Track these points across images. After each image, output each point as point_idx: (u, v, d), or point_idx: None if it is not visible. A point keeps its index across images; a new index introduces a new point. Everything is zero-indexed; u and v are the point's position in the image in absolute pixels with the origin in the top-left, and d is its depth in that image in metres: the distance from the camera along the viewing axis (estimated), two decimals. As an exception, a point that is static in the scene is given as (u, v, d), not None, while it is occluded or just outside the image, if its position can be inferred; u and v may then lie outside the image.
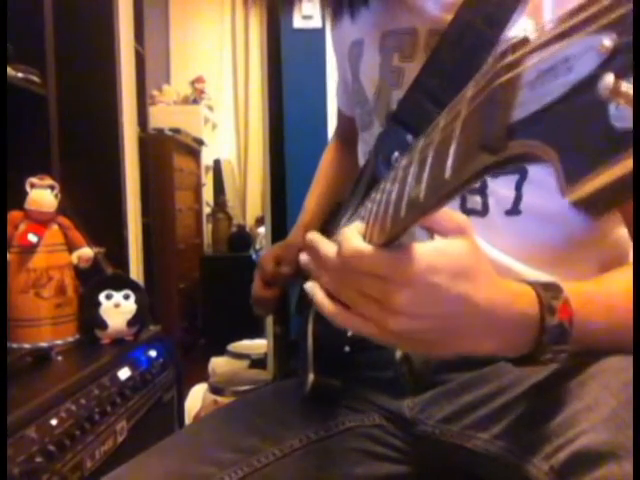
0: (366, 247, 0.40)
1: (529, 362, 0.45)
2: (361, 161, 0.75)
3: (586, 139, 0.20)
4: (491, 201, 0.60)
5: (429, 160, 0.32)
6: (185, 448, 0.64)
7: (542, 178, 0.59)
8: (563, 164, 0.21)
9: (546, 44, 0.22)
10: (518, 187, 0.59)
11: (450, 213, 0.41)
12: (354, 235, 0.42)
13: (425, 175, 0.32)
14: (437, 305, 0.40)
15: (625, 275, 0.51)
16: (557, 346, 0.44)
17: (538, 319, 0.43)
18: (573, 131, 0.21)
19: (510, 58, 0.24)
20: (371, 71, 0.68)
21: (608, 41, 0.19)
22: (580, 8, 0.21)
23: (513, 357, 0.46)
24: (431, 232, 0.42)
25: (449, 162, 0.28)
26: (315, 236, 0.47)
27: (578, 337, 0.45)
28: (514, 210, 0.60)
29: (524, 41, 0.24)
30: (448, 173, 0.28)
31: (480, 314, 0.41)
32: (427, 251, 0.39)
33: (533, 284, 0.45)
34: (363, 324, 0.43)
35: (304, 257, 0.49)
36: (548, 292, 0.44)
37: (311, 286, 0.47)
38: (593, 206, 0.20)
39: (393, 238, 0.38)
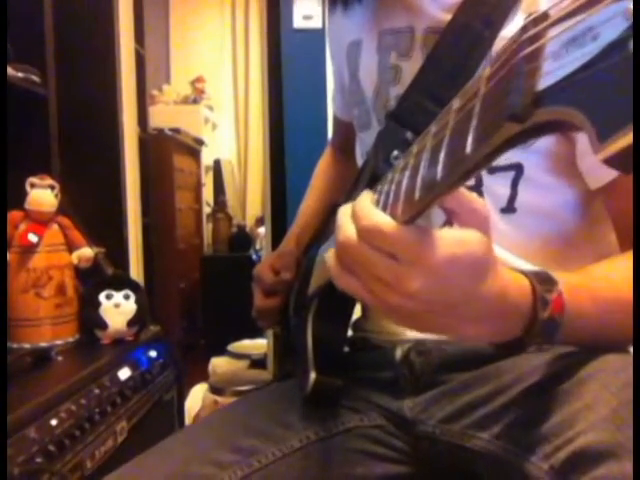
0: (389, 222, 0.37)
1: (514, 349, 0.46)
2: (359, 162, 0.75)
3: (615, 98, 0.21)
4: (486, 198, 0.60)
5: (445, 141, 0.32)
6: (185, 449, 0.64)
7: (538, 176, 0.59)
8: (593, 124, 0.21)
9: (567, 16, 0.23)
10: (514, 185, 0.59)
11: (474, 204, 0.40)
12: (372, 207, 0.40)
13: (442, 156, 0.32)
14: (447, 294, 0.39)
15: (606, 266, 0.52)
16: (545, 337, 0.45)
17: (531, 311, 0.44)
18: (602, 92, 0.21)
19: (532, 31, 0.25)
20: (369, 70, 0.68)
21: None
22: None
23: (498, 343, 0.47)
24: (450, 218, 0.41)
25: (470, 138, 0.28)
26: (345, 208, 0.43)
27: (567, 330, 0.45)
28: (509, 208, 0.60)
29: (545, 15, 0.25)
30: (469, 148, 0.28)
31: (483, 303, 0.41)
32: (451, 241, 0.38)
33: (528, 275, 0.45)
34: (364, 294, 0.42)
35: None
36: (543, 285, 0.45)
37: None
38: (625, 161, 0.21)
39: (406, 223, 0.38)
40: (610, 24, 0.21)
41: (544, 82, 0.24)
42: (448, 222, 0.41)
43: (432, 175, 0.33)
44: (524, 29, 0.26)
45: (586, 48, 0.22)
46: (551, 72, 0.23)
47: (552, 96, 0.23)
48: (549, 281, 0.45)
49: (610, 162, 0.21)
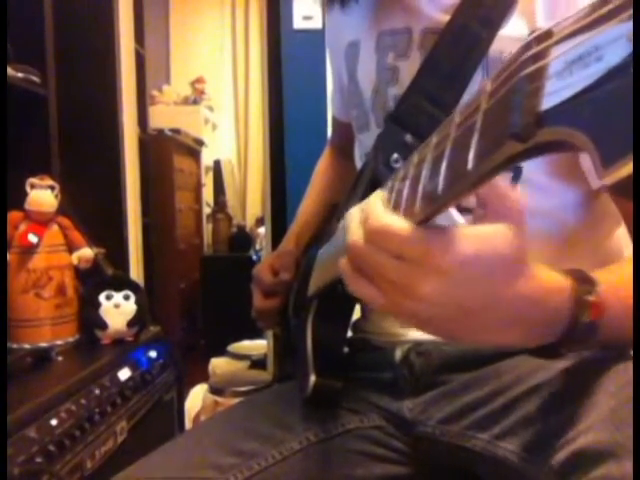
0: (398, 223, 0.35)
1: (549, 354, 0.44)
2: (358, 164, 0.75)
3: (620, 122, 0.20)
4: None
5: (447, 153, 0.31)
6: (185, 453, 0.64)
7: (536, 177, 0.59)
8: (598, 148, 0.21)
9: (571, 35, 0.23)
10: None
11: (509, 194, 0.36)
12: (381, 208, 0.38)
13: (442, 169, 0.31)
14: (461, 298, 0.36)
15: (627, 267, 0.49)
16: (583, 343, 0.42)
17: (570, 315, 0.41)
18: (606, 116, 0.21)
19: (535, 50, 0.25)
20: (368, 71, 0.69)
21: None
22: (604, 1, 0.21)
23: (533, 347, 0.44)
24: (483, 207, 0.36)
25: (471, 153, 0.28)
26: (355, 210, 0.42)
27: (603, 332, 0.42)
28: None
29: (548, 33, 0.24)
30: (471, 164, 0.28)
31: (509, 309, 0.38)
32: (467, 239, 0.35)
33: (569, 275, 0.42)
34: (380, 299, 0.39)
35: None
36: (583, 285, 0.41)
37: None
38: (629, 188, 0.20)
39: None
40: (614, 46, 0.20)
41: (547, 102, 0.23)
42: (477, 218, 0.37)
43: (431, 190, 0.32)
44: (527, 46, 0.25)
45: (590, 69, 0.21)
46: (554, 92, 0.23)
47: (555, 116, 0.23)
48: (589, 281, 0.42)
49: (614, 188, 0.21)
